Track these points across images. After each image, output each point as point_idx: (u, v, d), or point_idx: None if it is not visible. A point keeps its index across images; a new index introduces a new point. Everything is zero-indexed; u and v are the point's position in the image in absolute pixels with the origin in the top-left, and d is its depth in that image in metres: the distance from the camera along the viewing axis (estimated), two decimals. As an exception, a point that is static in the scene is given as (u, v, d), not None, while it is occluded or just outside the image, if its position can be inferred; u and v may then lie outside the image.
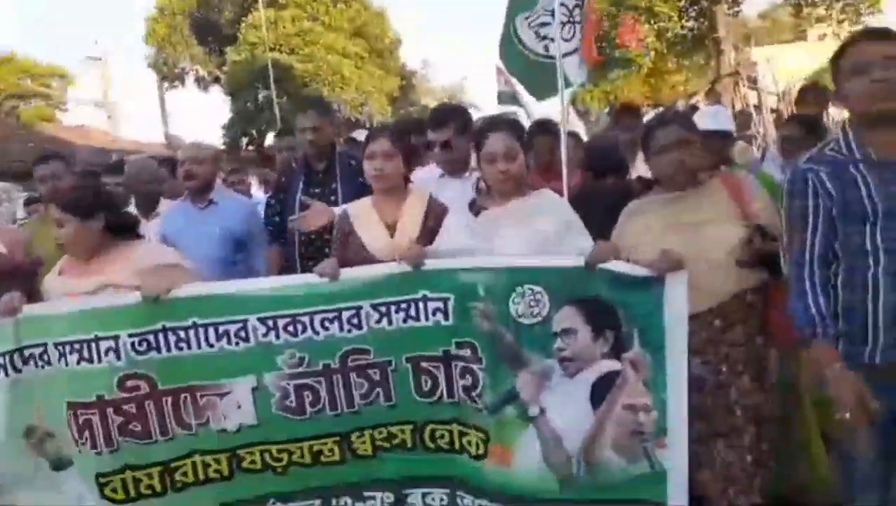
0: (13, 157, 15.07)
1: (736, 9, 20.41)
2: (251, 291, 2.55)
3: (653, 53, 18.99)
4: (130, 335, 2.44)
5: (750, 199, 2.49)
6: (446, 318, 2.45)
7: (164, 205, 4.22)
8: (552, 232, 2.50)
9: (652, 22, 18.61)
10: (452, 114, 3.42)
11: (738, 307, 2.45)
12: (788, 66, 18.29)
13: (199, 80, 26.26)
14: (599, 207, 2.85)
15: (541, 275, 2.37)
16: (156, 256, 2.73)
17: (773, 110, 19.71)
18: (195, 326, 2.45)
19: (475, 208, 2.66)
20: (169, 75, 25.30)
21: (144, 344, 2.44)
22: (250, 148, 21.94)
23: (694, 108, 7.88)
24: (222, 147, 22.01)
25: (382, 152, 2.76)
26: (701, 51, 20.44)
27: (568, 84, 3.69)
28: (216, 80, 25.46)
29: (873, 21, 19.75)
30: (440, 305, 2.45)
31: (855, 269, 1.97)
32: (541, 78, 3.83)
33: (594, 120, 26.66)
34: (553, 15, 3.59)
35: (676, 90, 22.70)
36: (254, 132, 21.52)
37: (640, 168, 3.54)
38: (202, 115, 25.27)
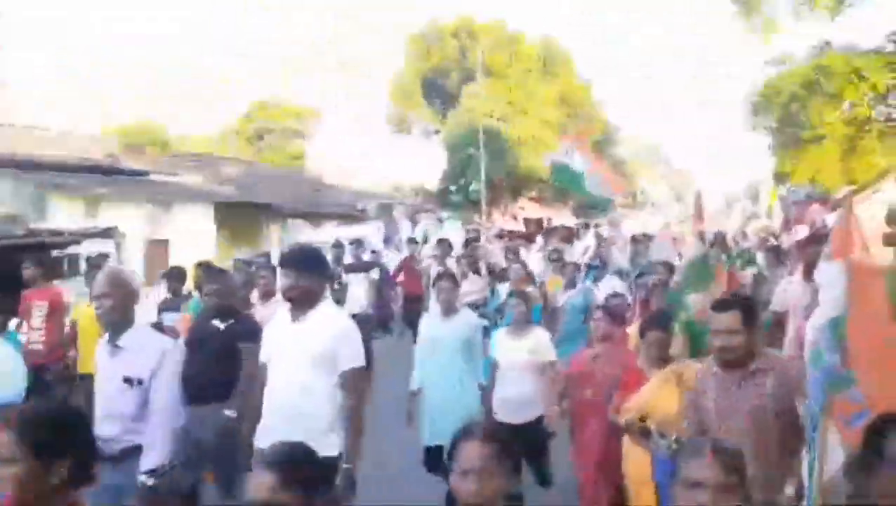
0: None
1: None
2: None
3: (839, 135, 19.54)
4: None
5: None
6: None
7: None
8: None
9: (842, 108, 19.33)
10: None
11: None
12: None
13: (424, 131, 31.08)
14: None
15: None
16: None
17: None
18: None
19: None
20: (399, 127, 30.26)
21: None
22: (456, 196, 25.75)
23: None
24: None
25: None
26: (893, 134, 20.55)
27: None
28: (437, 132, 29.95)
29: None
30: None
31: None
32: None
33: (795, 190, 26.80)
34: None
35: (871, 171, 22.71)
36: (462, 182, 25.27)
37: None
38: (423, 164, 29.70)
